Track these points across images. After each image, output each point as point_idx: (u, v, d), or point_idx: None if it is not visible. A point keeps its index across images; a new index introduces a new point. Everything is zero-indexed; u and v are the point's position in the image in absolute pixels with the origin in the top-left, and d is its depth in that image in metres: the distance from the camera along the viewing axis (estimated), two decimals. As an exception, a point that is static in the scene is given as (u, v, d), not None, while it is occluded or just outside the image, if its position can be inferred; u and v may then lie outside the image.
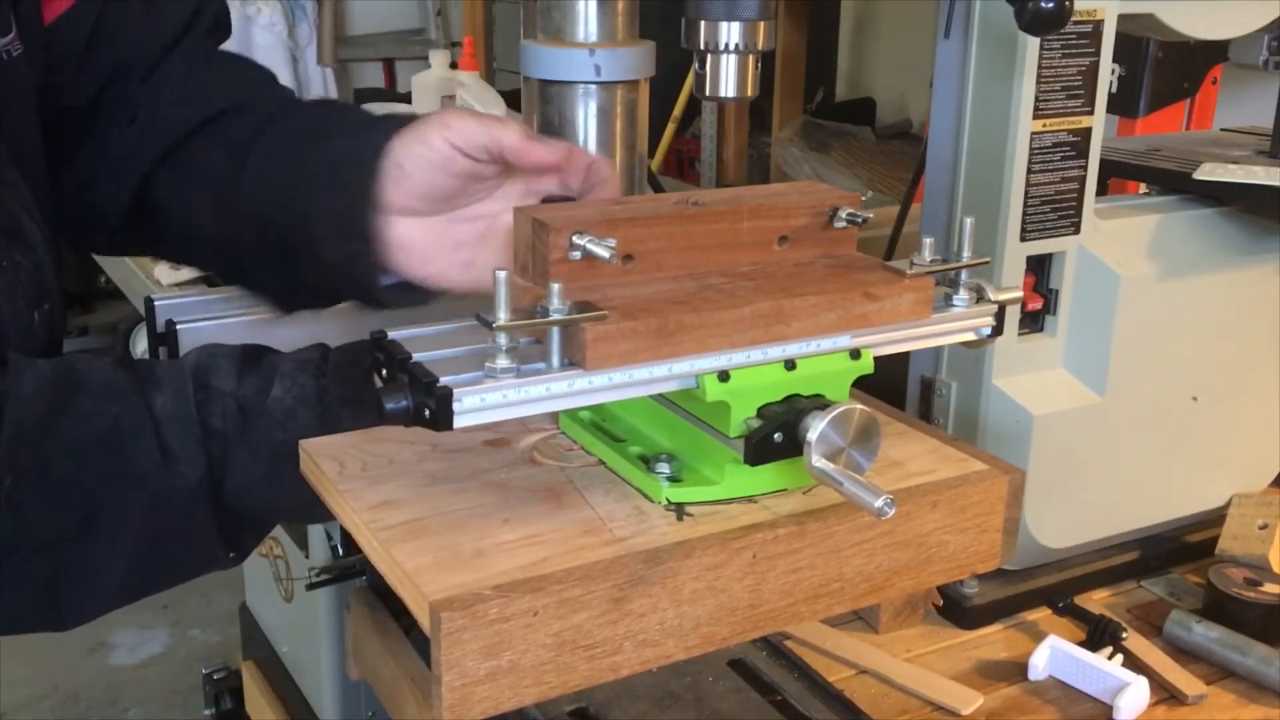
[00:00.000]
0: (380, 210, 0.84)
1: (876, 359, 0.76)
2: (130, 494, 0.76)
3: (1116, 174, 1.28)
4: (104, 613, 0.81)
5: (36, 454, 0.74)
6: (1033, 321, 1.12)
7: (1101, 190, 1.11)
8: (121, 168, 0.95)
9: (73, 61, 0.93)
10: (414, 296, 0.88)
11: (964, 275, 0.79)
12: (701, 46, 0.92)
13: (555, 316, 0.66)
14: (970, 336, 0.81)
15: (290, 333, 1.10)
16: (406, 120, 0.86)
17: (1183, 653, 1.06)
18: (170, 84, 0.96)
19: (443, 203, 0.85)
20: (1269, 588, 1.08)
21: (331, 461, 0.78)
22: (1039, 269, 1.10)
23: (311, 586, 1.32)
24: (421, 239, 0.85)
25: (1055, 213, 1.07)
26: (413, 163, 0.83)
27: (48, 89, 0.92)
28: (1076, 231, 1.09)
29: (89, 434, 0.76)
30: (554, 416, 0.85)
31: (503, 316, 0.65)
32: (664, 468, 0.75)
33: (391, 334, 0.70)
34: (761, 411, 0.72)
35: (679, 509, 0.74)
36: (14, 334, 0.80)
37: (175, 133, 0.93)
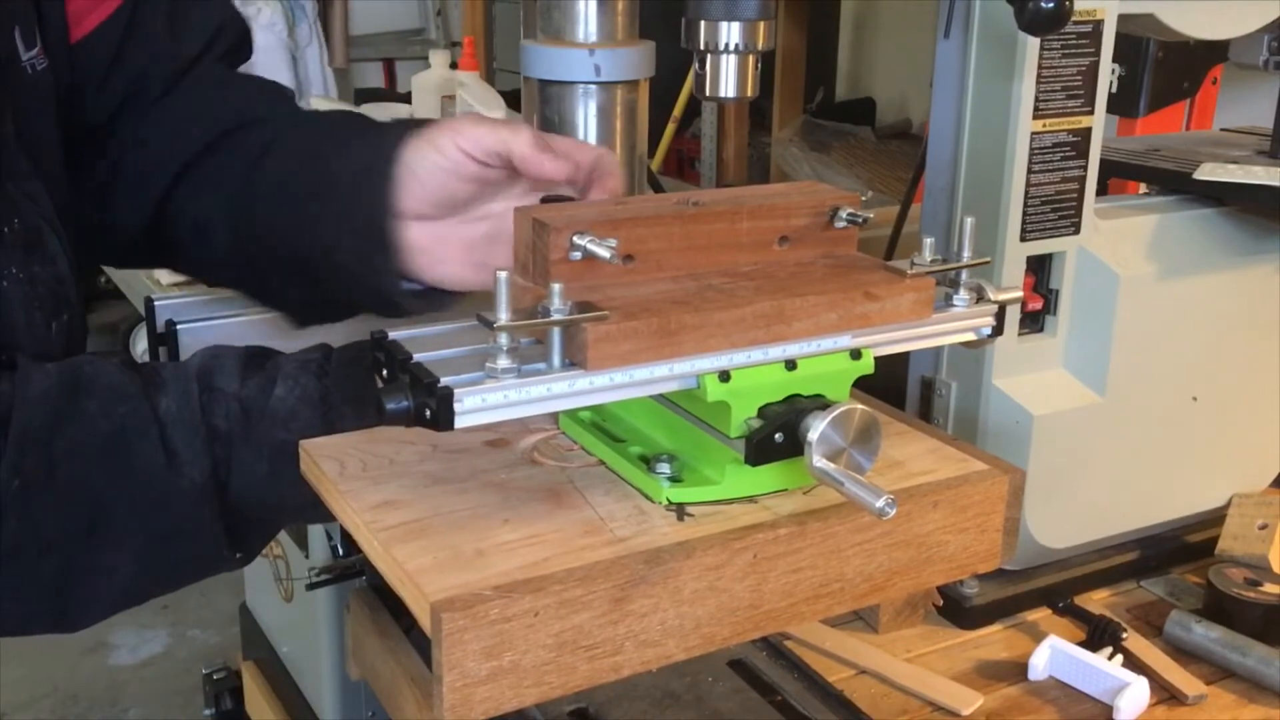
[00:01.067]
0: (396, 216, 0.85)
1: (877, 359, 0.76)
2: (136, 495, 0.77)
3: (1116, 174, 1.28)
4: (112, 614, 0.81)
5: (43, 456, 0.74)
6: (1033, 321, 1.12)
7: (1101, 190, 1.11)
8: (138, 187, 0.96)
9: (96, 79, 0.94)
10: (433, 301, 0.89)
11: (964, 275, 0.79)
12: (701, 46, 0.92)
13: (556, 317, 0.66)
14: (970, 336, 0.81)
15: (290, 333, 1.10)
16: (416, 125, 0.86)
17: (1183, 653, 1.06)
18: (183, 104, 0.96)
19: (454, 208, 0.86)
20: (1269, 588, 1.08)
21: (332, 462, 0.78)
22: (1039, 269, 1.10)
23: (311, 586, 1.32)
24: (433, 242, 0.86)
25: (1055, 213, 1.07)
26: (425, 169, 0.83)
27: (71, 106, 0.93)
28: (1076, 231, 1.09)
29: (95, 436, 0.76)
30: (554, 417, 0.85)
31: (503, 317, 0.65)
32: (665, 468, 0.75)
33: (392, 334, 0.70)
34: (762, 411, 0.72)
35: (680, 509, 0.74)
36: (29, 344, 0.81)
37: (188, 151, 0.94)
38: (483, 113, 1.83)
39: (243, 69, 1.05)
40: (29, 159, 0.85)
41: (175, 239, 0.97)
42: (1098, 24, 1.04)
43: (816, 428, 0.69)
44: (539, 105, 1.01)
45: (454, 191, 0.85)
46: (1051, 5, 0.90)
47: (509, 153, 0.82)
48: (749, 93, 0.94)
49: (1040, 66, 1.02)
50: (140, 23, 0.95)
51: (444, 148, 0.83)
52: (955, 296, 0.80)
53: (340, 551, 1.31)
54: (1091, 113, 1.06)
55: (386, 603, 1.13)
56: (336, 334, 0.94)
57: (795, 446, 0.71)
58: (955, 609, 1.12)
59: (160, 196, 0.95)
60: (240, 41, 1.02)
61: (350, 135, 0.90)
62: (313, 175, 0.88)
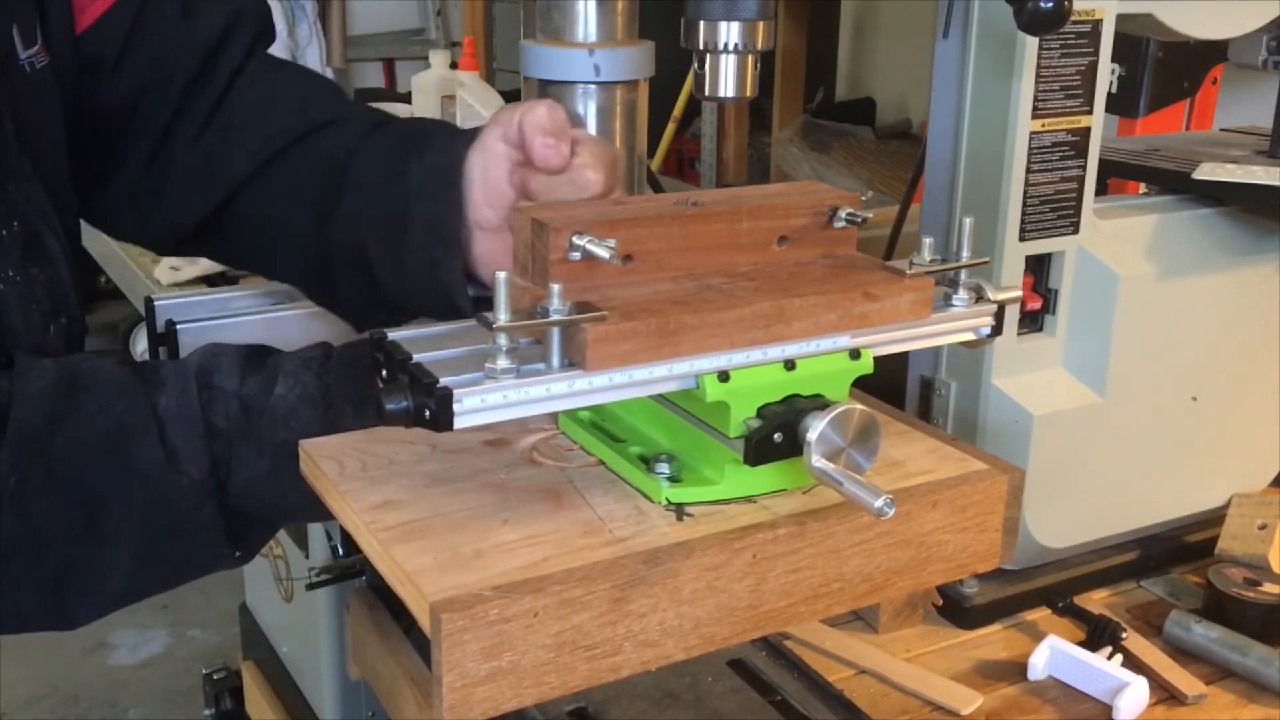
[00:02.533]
0: (466, 220, 0.86)
1: (876, 359, 0.76)
2: (135, 493, 0.77)
3: (1116, 174, 1.28)
4: (110, 611, 0.81)
5: (41, 454, 0.74)
6: (1032, 321, 1.12)
7: (1101, 190, 1.11)
8: (200, 183, 0.96)
9: (107, 66, 0.94)
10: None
11: (963, 275, 0.79)
12: (701, 46, 0.92)
13: (555, 317, 0.66)
14: (969, 336, 0.81)
15: (290, 332, 1.10)
16: (479, 129, 0.88)
17: (1182, 653, 1.06)
18: (248, 99, 0.97)
19: (508, 209, 0.86)
20: (1269, 588, 1.08)
21: (331, 462, 0.78)
22: (1038, 269, 1.10)
23: (311, 586, 1.32)
24: (502, 253, 0.86)
25: (1054, 212, 1.07)
26: (478, 169, 0.86)
27: (80, 94, 0.93)
28: (1076, 231, 1.09)
29: (93, 434, 0.76)
30: (554, 417, 0.85)
31: (503, 317, 0.65)
32: (664, 468, 0.75)
33: (391, 334, 0.70)
34: (761, 411, 0.72)
35: (679, 509, 0.74)
36: (27, 347, 0.81)
37: (267, 150, 0.95)
38: (482, 113, 1.83)
39: None
40: (29, 159, 0.85)
41: (239, 236, 0.98)
42: (1097, 24, 1.04)
43: (815, 428, 0.69)
44: (538, 105, 1.01)
45: (503, 186, 0.86)
46: (1050, 5, 0.90)
47: (522, 127, 0.84)
48: (748, 93, 0.94)
49: (1039, 66, 1.02)
50: (151, 8, 0.94)
51: (490, 143, 0.86)
52: (954, 296, 0.80)
53: (340, 551, 1.31)
54: (1091, 112, 1.06)
55: (386, 603, 1.13)
56: (334, 334, 0.94)
57: (794, 446, 0.71)
58: (955, 609, 1.12)
59: (227, 195, 0.95)
60: (265, 25, 1.02)
61: (430, 139, 0.91)
62: (393, 176, 0.89)
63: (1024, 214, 1.06)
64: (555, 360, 0.67)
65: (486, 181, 0.86)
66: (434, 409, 0.64)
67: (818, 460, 0.70)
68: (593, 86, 0.98)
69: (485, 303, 0.87)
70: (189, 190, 0.96)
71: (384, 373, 0.69)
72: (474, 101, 1.85)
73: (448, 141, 0.89)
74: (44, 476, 0.74)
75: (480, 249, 0.87)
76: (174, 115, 0.96)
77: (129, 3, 0.93)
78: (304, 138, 0.95)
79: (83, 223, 0.97)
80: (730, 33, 0.91)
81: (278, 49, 1.03)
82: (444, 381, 0.64)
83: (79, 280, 0.88)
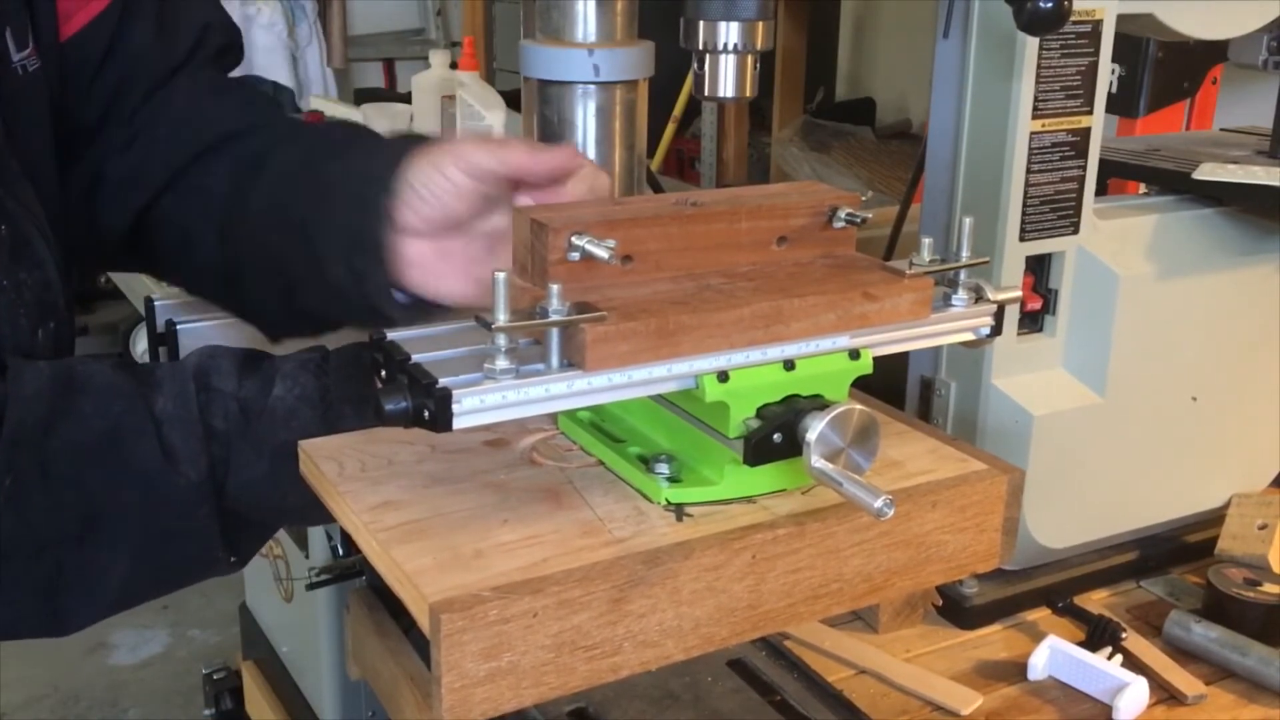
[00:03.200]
0: (393, 227, 0.83)
1: (876, 359, 0.76)
2: (131, 495, 0.76)
3: (1116, 174, 1.28)
4: (102, 618, 0.81)
5: (36, 455, 0.74)
6: (1032, 321, 1.12)
7: (1101, 190, 1.11)
8: (122, 192, 0.95)
9: (85, 78, 0.93)
10: (421, 314, 0.87)
11: (963, 275, 0.79)
12: (700, 46, 0.92)
13: (554, 317, 0.66)
14: (969, 336, 0.81)
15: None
16: (417, 141, 0.85)
17: (1182, 653, 1.06)
18: (172, 109, 0.95)
19: (455, 226, 0.85)
20: (1269, 588, 1.08)
21: (330, 462, 0.78)
22: (1038, 269, 1.10)
23: (311, 586, 1.32)
24: (433, 258, 0.85)
25: (1054, 213, 1.07)
26: (426, 188, 0.82)
27: (62, 106, 0.92)
28: (1076, 231, 1.09)
29: (89, 435, 0.75)
30: (553, 417, 0.85)
31: (502, 318, 0.65)
32: (663, 468, 0.75)
33: (390, 335, 0.70)
34: (761, 412, 0.72)
35: (678, 509, 0.74)
36: (14, 353, 0.80)
37: (180, 158, 0.93)
38: (482, 113, 1.83)
39: (243, 68, 1.04)
40: (20, 162, 0.84)
41: (158, 245, 0.96)
42: (1097, 24, 1.03)
43: (815, 428, 0.69)
44: (538, 105, 1.01)
45: (455, 211, 0.83)
46: (1050, 5, 0.90)
47: (508, 168, 0.82)
48: (748, 93, 0.94)
49: (1040, 66, 1.02)
50: (130, 21, 0.94)
51: (447, 170, 0.82)
52: (954, 296, 0.80)
53: (340, 551, 1.31)
54: (1091, 113, 1.06)
55: (386, 603, 1.13)
56: (331, 336, 0.94)
57: (794, 447, 0.71)
58: (955, 609, 1.12)
59: (145, 203, 0.94)
60: (230, 45, 1.01)
61: (348, 144, 0.89)
62: (308, 184, 0.87)
63: (1024, 214, 1.06)
64: (554, 361, 0.67)
65: (430, 199, 0.83)
66: (433, 409, 0.64)
67: (817, 460, 0.70)
68: (592, 86, 0.97)
69: (411, 307, 0.86)
70: (115, 200, 0.95)
71: (382, 373, 0.69)
72: (474, 101, 1.85)
73: (375, 147, 0.87)
74: (40, 477, 0.74)
75: (415, 257, 0.84)
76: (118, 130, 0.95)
77: (111, 13, 0.92)
78: (217, 146, 0.93)
79: None
80: (730, 33, 0.91)
81: (277, 49, 1.03)
82: (443, 382, 0.64)
83: (68, 285, 0.87)
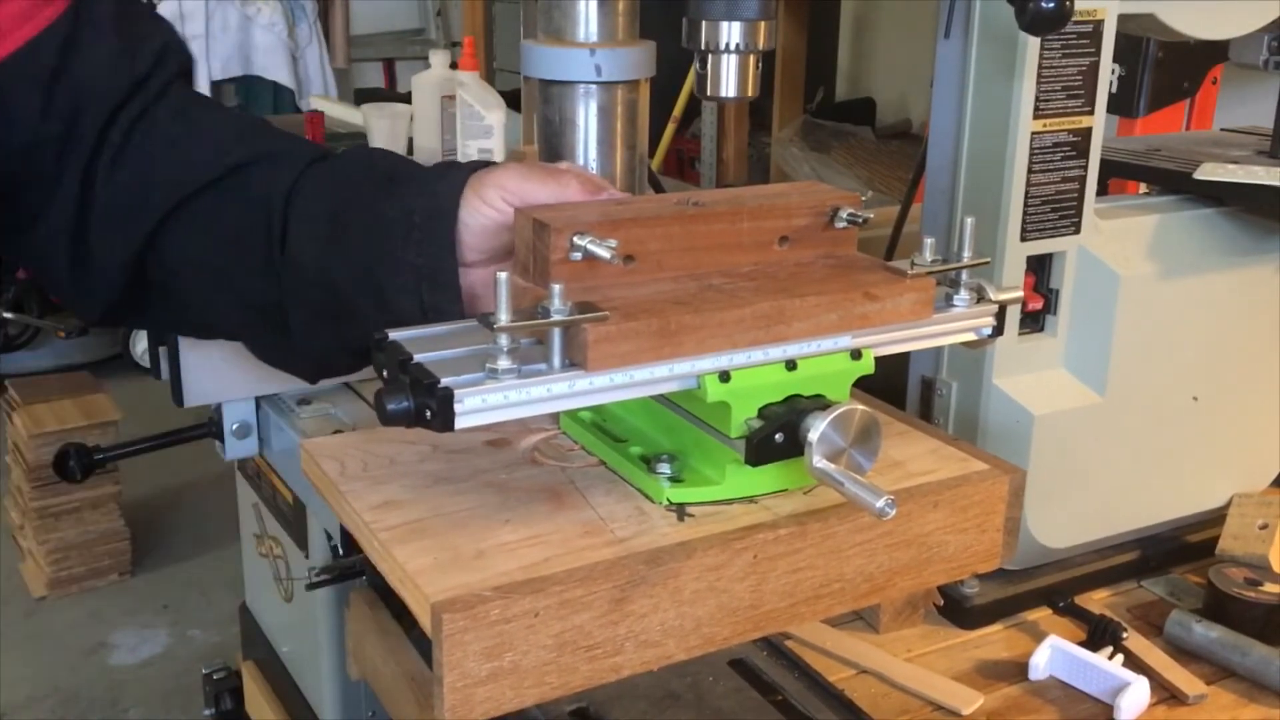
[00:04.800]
0: (460, 263, 0.83)
1: (877, 359, 0.76)
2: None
3: (1116, 174, 1.28)
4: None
5: None
6: (1033, 321, 1.12)
7: (1101, 190, 1.11)
8: (121, 217, 0.89)
9: (30, 97, 0.86)
10: None
11: (964, 275, 0.79)
12: (702, 46, 0.92)
13: (556, 317, 0.66)
14: (971, 336, 0.81)
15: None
16: (468, 170, 0.85)
17: (1183, 653, 1.06)
18: (163, 130, 0.90)
19: (503, 257, 0.84)
20: (1269, 588, 1.08)
21: (332, 462, 0.78)
22: (1039, 269, 1.10)
23: (311, 586, 1.32)
24: (485, 285, 0.84)
25: (1055, 213, 1.07)
26: (476, 220, 0.82)
27: (4, 128, 0.86)
28: (1077, 231, 1.09)
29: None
30: (555, 417, 0.85)
31: (504, 318, 0.65)
32: (665, 468, 0.75)
33: (393, 335, 0.70)
34: (762, 412, 0.72)
35: (680, 509, 0.74)
36: None
37: (186, 185, 0.89)
38: (482, 113, 1.83)
39: (243, 68, 1.02)
40: None
41: (168, 287, 0.92)
42: (1098, 24, 1.03)
43: (817, 428, 0.69)
44: (539, 105, 1.01)
45: (505, 241, 0.82)
46: (1052, 5, 0.90)
47: (560, 199, 0.81)
48: (749, 93, 0.94)
49: (1040, 66, 1.02)
50: (85, 34, 0.87)
51: (493, 201, 0.82)
52: (955, 296, 0.80)
53: (340, 551, 1.31)
54: (1092, 113, 1.06)
55: (387, 603, 1.13)
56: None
57: (795, 447, 0.71)
58: (955, 609, 1.12)
59: (148, 232, 0.89)
60: (186, 66, 0.95)
61: (395, 179, 0.87)
62: (362, 219, 0.85)
63: (1025, 214, 1.06)
64: (556, 360, 0.67)
65: (481, 232, 0.82)
66: (435, 409, 0.64)
67: (819, 460, 0.70)
68: (594, 86, 0.97)
69: None
70: (111, 228, 0.89)
71: (385, 373, 0.69)
72: (474, 101, 1.85)
73: (425, 182, 0.85)
74: None
75: (475, 287, 0.84)
76: (94, 148, 0.89)
77: (58, 29, 0.86)
78: (228, 175, 0.89)
79: None
80: (731, 33, 0.91)
81: (278, 49, 1.02)
82: (445, 382, 0.64)
83: None
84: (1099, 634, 1.06)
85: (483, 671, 0.64)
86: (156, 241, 0.89)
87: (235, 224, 0.89)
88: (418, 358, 0.67)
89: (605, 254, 0.71)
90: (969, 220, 0.79)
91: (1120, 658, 1.04)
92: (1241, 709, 1.00)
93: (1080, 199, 1.08)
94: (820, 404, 0.72)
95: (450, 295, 0.82)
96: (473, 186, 0.82)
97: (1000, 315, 0.81)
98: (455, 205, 0.82)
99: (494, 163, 0.88)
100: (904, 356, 1.03)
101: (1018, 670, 1.04)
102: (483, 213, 0.81)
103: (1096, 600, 1.15)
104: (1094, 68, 1.05)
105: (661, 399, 0.77)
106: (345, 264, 0.84)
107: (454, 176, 0.84)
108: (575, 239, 0.72)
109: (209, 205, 0.89)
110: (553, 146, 0.99)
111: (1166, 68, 1.77)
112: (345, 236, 0.85)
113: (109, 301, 0.92)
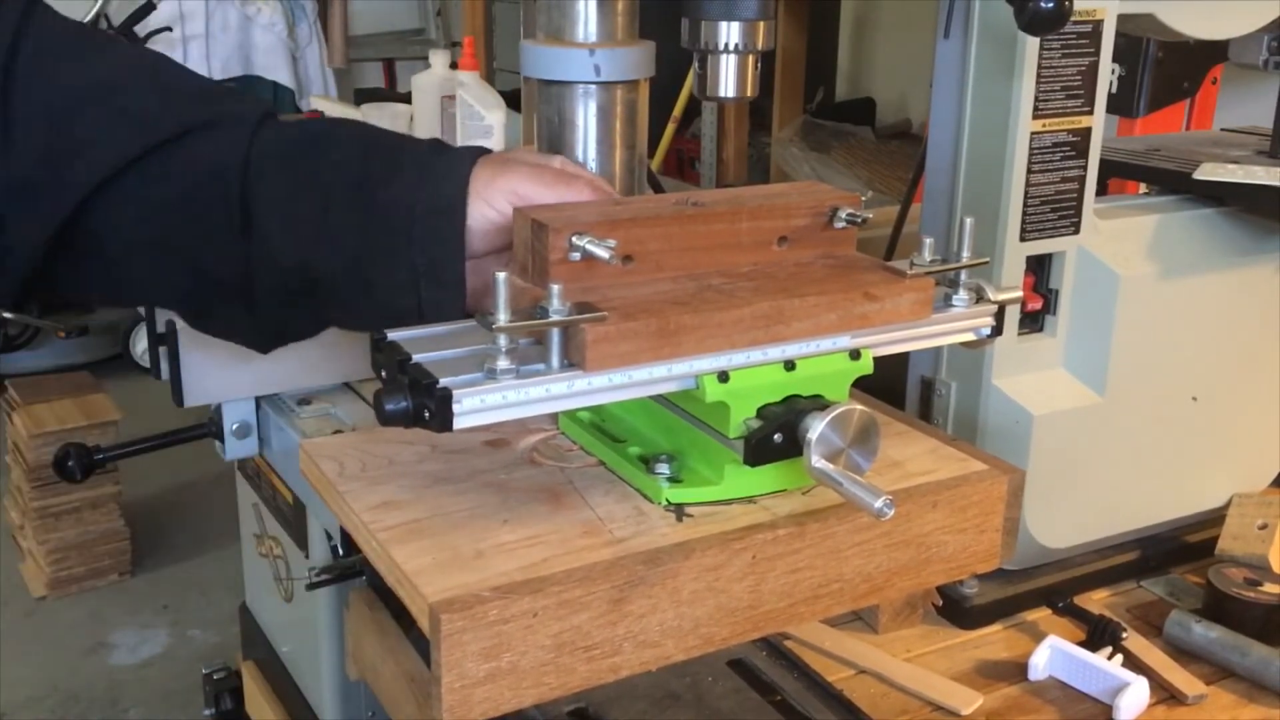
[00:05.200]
0: (465, 258, 0.81)
1: (876, 359, 0.76)
2: None
3: (1116, 174, 1.28)
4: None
5: None
6: (1032, 321, 1.12)
7: (1101, 190, 1.11)
8: (30, 199, 0.80)
9: None
10: None
11: (964, 275, 0.79)
12: (701, 46, 0.92)
13: (555, 317, 0.66)
14: (970, 337, 0.81)
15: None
16: (470, 161, 0.82)
17: (1183, 653, 1.06)
18: (64, 88, 0.80)
19: (503, 253, 0.82)
20: (1269, 588, 1.08)
21: (331, 462, 0.78)
22: (1039, 269, 1.10)
23: (311, 586, 1.32)
24: (483, 281, 0.81)
25: (1055, 213, 1.07)
26: (479, 224, 0.81)
27: None
28: (1076, 231, 1.09)
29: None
30: (554, 417, 0.85)
31: (503, 318, 0.65)
32: (664, 468, 0.75)
33: (391, 335, 0.70)
34: (761, 412, 0.72)
35: (679, 510, 0.74)
36: None
37: (115, 155, 0.80)
38: (482, 113, 1.83)
39: (243, 68, 1.00)
40: None
41: (92, 257, 0.83)
42: (1097, 24, 1.03)
43: (815, 428, 0.69)
44: (539, 105, 1.01)
45: (506, 242, 0.81)
46: (1051, 5, 0.90)
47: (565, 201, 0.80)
48: (749, 93, 0.94)
49: (1040, 66, 1.02)
50: None
51: (501, 205, 0.80)
52: (955, 296, 0.80)
53: (340, 551, 1.31)
54: (1091, 113, 1.06)
55: (386, 603, 1.13)
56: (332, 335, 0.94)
57: (794, 447, 0.71)
58: (955, 609, 1.12)
59: (70, 209, 0.80)
60: None
61: (377, 156, 0.83)
62: (342, 205, 0.81)
63: (1025, 214, 1.06)
64: (555, 361, 0.67)
65: (485, 232, 0.81)
66: (433, 409, 0.64)
67: (817, 461, 0.70)
68: (593, 86, 0.97)
69: None
70: (26, 212, 0.80)
71: (383, 373, 0.69)
72: (474, 101, 1.85)
73: (421, 170, 0.81)
74: None
75: (477, 282, 0.82)
76: None
77: None
78: (169, 143, 0.81)
79: None
80: (730, 33, 0.91)
81: (278, 49, 0.99)
82: (444, 382, 0.64)
83: None
84: (1098, 634, 1.06)
85: (481, 672, 0.64)
86: (81, 216, 0.81)
87: (179, 194, 0.81)
88: (416, 358, 0.67)
89: (604, 254, 0.71)
90: (968, 220, 0.78)
91: (1120, 658, 1.04)
92: (1241, 709, 1.00)
93: (1080, 199, 1.08)
94: (819, 404, 0.72)
95: (452, 293, 0.81)
96: (481, 188, 0.80)
97: (999, 315, 0.81)
98: (463, 204, 0.80)
99: (490, 149, 0.87)
100: (903, 356, 1.03)
101: (1017, 670, 1.04)
102: (487, 216, 0.80)
103: (1096, 600, 1.15)
104: (1093, 68, 1.05)
105: (660, 399, 0.77)
106: (329, 255, 0.81)
107: (456, 167, 0.82)
108: (574, 239, 0.72)
109: (145, 177, 0.81)
110: (552, 147, 0.99)
111: (1166, 68, 1.77)
112: (326, 223, 0.81)
113: (24, 283, 0.83)
